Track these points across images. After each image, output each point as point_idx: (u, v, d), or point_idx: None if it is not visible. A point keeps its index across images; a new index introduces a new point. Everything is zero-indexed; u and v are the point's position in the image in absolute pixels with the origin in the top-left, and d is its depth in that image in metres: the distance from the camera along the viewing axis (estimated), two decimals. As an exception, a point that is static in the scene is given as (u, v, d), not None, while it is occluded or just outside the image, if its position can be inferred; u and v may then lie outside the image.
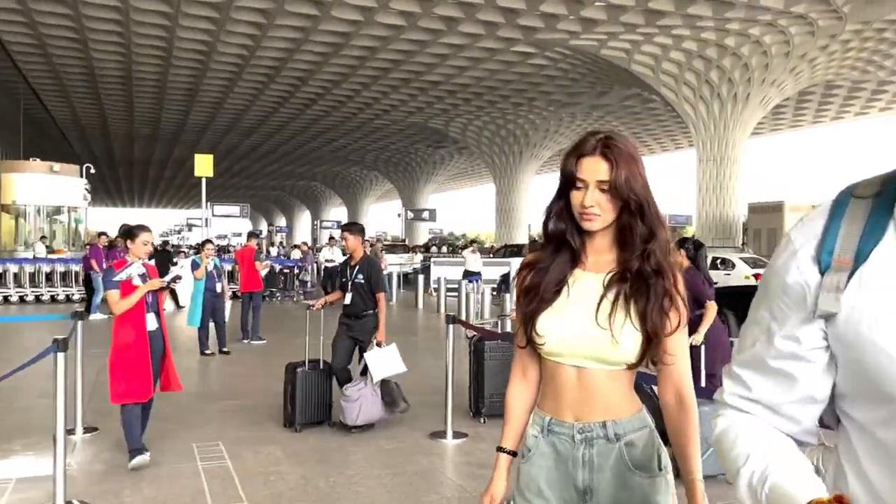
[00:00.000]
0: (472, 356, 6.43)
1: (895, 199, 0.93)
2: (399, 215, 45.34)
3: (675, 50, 20.50)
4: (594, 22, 18.67)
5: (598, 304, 1.69)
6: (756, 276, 14.74)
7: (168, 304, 13.43)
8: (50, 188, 23.41)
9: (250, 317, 11.16)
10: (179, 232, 64.56)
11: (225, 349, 9.97)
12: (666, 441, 1.79)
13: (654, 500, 1.70)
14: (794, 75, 21.33)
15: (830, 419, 1.02)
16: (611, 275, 1.72)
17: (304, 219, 75.22)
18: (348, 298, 5.99)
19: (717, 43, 19.96)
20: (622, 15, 18.18)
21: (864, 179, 0.98)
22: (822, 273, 0.93)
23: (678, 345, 1.73)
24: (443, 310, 15.67)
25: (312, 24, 19.09)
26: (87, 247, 17.11)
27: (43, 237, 22.25)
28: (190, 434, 5.74)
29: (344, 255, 18.95)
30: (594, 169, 1.66)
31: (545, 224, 1.78)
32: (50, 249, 20.89)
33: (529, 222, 34.11)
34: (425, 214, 43.16)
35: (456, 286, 15.46)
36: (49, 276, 17.77)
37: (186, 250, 25.45)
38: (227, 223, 57.75)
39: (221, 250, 29.54)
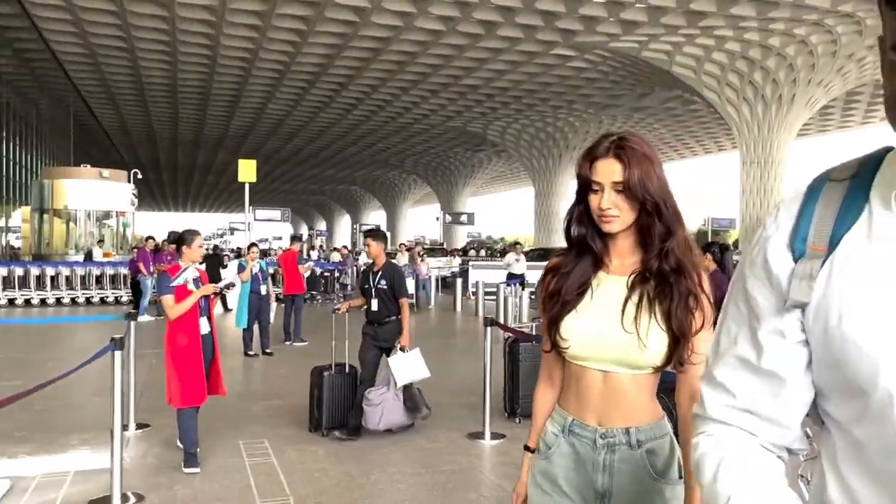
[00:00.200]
0: (506, 358, 6.50)
1: (872, 182, 0.87)
2: (437, 219, 45.48)
3: (718, 51, 20.24)
4: (635, 24, 18.56)
5: (623, 308, 1.68)
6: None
7: (216, 307, 13.73)
8: (99, 193, 24.15)
9: (292, 319, 11.38)
10: (222, 236, 65.71)
11: (268, 350, 10.19)
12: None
13: None
14: (841, 75, 20.87)
15: (815, 420, 0.95)
16: (633, 276, 1.71)
17: (343, 222, 76.03)
18: (374, 305, 5.95)
19: (760, 43, 19.65)
20: (663, 16, 18.03)
21: (842, 162, 0.93)
22: (796, 261, 0.87)
23: (705, 344, 1.69)
24: (481, 313, 15.71)
25: (352, 31, 19.36)
26: (135, 250, 17.60)
27: (100, 241, 22.92)
28: (236, 432, 5.91)
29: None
30: (608, 170, 1.67)
31: (567, 229, 1.78)
32: (96, 252, 21.51)
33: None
34: (463, 218, 43.23)
35: (494, 289, 15.47)
36: (98, 279, 18.32)
37: (229, 254, 25.91)
38: (268, 227, 58.63)
39: (263, 254, 29.99)
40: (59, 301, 17.54)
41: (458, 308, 17.54)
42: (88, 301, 17.72)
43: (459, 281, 18.65)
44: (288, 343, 11.13)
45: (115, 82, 25.40)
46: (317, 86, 25.39)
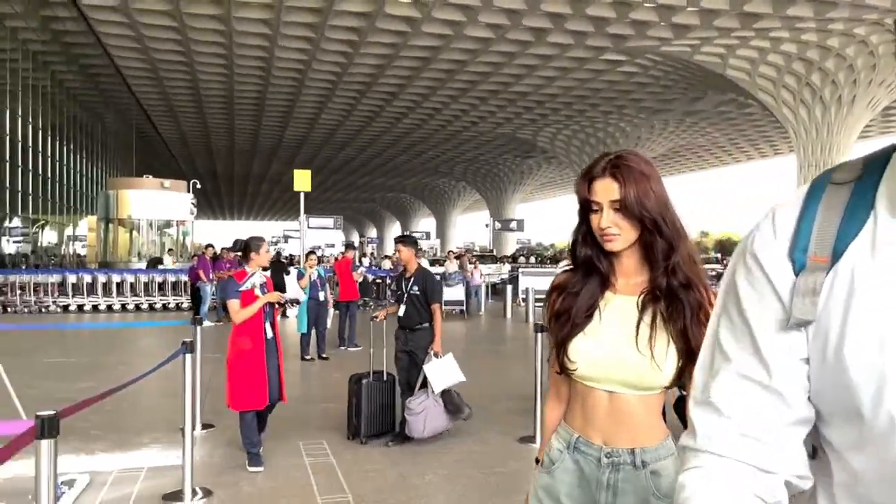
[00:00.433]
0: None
1: (878, 184, 0.79)
2: (487, 226, 45.56)
3: (773, 53, 19.87)
4: (686, 28, 18.38)
5: (637, 329, 1.67)
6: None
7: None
8: (161, 203, 25.09)
9: (347, 325, 11.64)
10: (276, 243, 67.06)
11: (324, 355, 10.46)
12: None
13: None
14: (903, 75, 20.27)
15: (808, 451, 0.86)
16: (644, 296, 1.70)
17: (394, 230, 76.68)
18: (402, 311, 5.95)
19: (818, 44, 19.22)
20: (716, 19, 17.82)
21: (845, 162, 0.85)
22: (797, 274, 0.79)
23: None
24: (531, 319, 15.74)
25: (402, 41, 19.68)
26: (195, 258, 18.19)
27: (170, 250, 23.76)
28: (296, 433, 6.13)
29: (431, 265, 19.25)
30: (606, 190, 1.68)
31: (572, 250, 1.80)
32: (159, 260, 22.31)
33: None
34: (513, 224, 43.22)
35: (544, 296, 15.44)
36: (161, 286, 19.00)
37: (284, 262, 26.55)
38: (320, 234, 59.61)
39: (318, 261, 30.50)
40: (123, 307, 18.26)
41: (509, 314, 17.60)
42: (151, 307, 18.39)
43: (509, 287, 18.73)
44: (342, 348, 11.40)
45: (174, 95, 26.35)
46: (368, 95, 25.83)
